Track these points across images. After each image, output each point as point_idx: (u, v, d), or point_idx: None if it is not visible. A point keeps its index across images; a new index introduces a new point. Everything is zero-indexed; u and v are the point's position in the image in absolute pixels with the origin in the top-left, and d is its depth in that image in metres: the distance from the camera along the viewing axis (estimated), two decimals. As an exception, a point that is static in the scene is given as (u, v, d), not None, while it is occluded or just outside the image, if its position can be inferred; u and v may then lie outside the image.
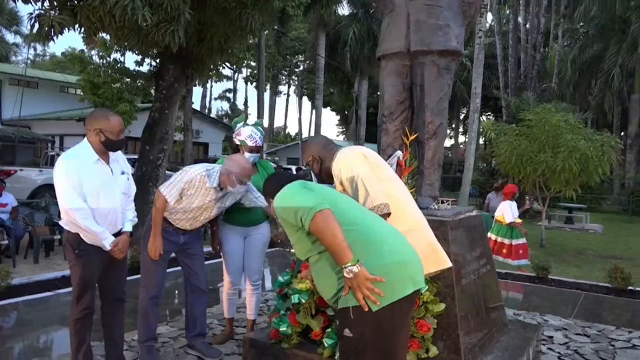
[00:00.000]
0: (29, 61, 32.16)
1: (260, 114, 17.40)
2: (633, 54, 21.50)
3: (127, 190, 3.21)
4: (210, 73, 12.80)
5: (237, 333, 4.00)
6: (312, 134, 30.83)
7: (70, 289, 5.31)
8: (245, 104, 44.38)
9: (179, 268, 3.72)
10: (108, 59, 16.57)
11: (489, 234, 7.63)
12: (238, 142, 3.72)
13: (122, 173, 3.18)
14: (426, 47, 3.47)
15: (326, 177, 2.79)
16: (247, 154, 3.64)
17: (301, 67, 37.50)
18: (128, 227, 3.19)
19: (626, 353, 3.94)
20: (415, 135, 3.60)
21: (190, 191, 3.28)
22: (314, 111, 48.93)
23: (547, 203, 11.93)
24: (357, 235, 2.01)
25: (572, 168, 10.31)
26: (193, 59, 9.02)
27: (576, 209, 17.44)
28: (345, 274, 1.91)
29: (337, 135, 45.48)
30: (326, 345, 3.11)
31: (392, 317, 1.99)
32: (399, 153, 3.70)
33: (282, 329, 3.22)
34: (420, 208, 2.80)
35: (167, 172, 8.44)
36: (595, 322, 4.77)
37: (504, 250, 7.45)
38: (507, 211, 7.46)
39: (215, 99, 57.57)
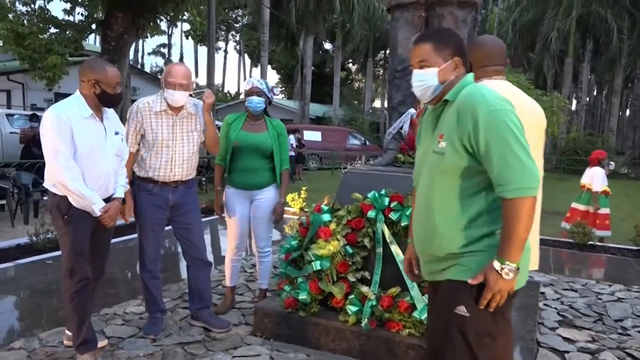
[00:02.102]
0: None
1: (210, 73, 16.49)
2: (568, 17, 22.36)
3: (119, 152, 2.90)
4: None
5: (237, 301, 3.77)
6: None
7: (33, 258, 4.94)
8: (181, 60, 42.43)
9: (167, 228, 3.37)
10: (32, 5, 14.97)
11: (575, 204, 7.18)
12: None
13: (116, 133, 2.86)
14: (446, -3, 3.28)
15: None
16: (247, 99, 3.47)
17: (241, 23, 36.12)
18: (120, 193, 2.89)
19: (615, 306, 4.10)
20: (430, 92, 3.41)
21: (143, 126, 3.03)
22: (254, 69, 47.74)
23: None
24: None
25: (524, 128, 10.68)
26: (145, 7, 8.33)
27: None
28: (503, 274, 1.56)
29: (276, 95, 44.51)
30: (350, 312, 2.97)
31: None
32: (412, 111, 3.55)
33: (302, 297, 3.03)
34: None
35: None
36: (576, 277, 4.95)
37: (597, 221, 6.88)
38: (597, 178, 6.89)
39: (149, 54, 54.62)
